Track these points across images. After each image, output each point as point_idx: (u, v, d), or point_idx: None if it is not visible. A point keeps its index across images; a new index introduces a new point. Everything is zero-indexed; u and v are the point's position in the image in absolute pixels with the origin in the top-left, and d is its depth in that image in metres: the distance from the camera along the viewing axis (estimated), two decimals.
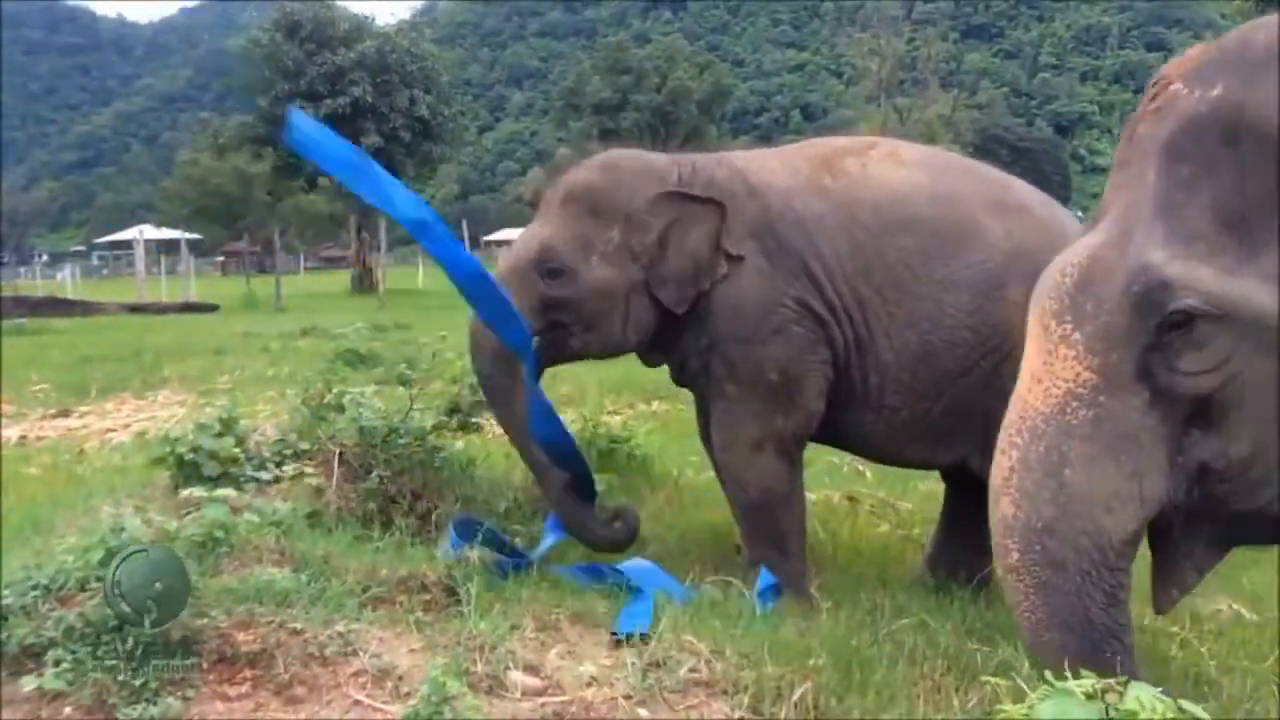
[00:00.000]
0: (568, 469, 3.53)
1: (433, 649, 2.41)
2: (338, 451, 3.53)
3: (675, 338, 3.50)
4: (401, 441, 3.60)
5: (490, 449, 4.60)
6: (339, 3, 34.45)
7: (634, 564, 3.31)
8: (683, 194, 3.38)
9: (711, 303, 3.39)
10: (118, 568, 2.14)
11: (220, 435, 3.50)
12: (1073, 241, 2.06)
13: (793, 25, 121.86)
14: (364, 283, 29.69)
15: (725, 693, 2.39)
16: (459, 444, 4.09)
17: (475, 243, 37.54)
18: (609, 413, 6.35)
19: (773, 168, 3.52)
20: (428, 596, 2.73)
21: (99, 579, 2.25)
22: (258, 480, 3.41)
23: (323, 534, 2.99)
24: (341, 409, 3.75)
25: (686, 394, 3.93)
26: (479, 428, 4.39)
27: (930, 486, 4.62)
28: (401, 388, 4.14)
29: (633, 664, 2.44)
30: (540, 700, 2.27)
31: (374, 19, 35.82)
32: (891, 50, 46.04)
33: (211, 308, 21.04)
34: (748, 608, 2.98)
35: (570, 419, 5.64)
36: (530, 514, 3.82)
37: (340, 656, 2.29)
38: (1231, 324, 1.72)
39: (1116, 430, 1.80)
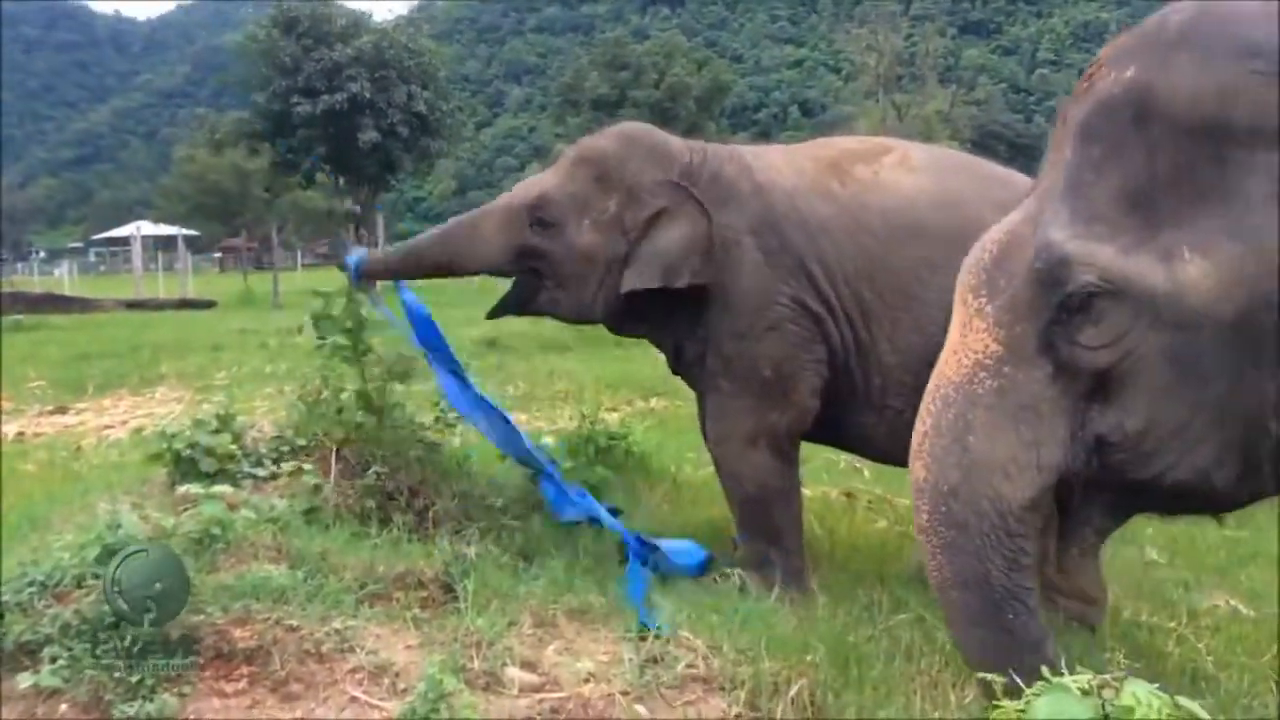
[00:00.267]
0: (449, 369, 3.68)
1: (430, 645, 2.41)
2: (335, 448, 3.52)
3: (667, 317, 3.53)
4: (399, 436, 3.61)
5: (487, 445, 4.59)
6: None
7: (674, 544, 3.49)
8: (685, 189, 3.40)
9: (709, 295, 3.40)
10: (118, 567, 2.14)
11: (217, 432, 3.50)
12: None
13: (791, 21, 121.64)
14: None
15: (722, 688, 2.40)
16: (456, 440, 4.09)
17: None
18: (607, 409, 6.34)
19: (780, 167, 3.54)
20: (425, 593, 2.73)
21: (96, 576, 2.25)
22: (255, 477, 3.40)
23: (320, 530, 2.99)
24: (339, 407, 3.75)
25: (684, 391, 3.94)
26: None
27: None
28: (398, 384, 4.13)
29: (630, 660, 2.44)
30: (537, 696, 2.27)
31: (371, 15, 35.79)
32: (889, 46, 45.88)
33: (209, 304, 21.05)
34: (745, 604, 2.98)
35: (567, 415, 5.64)
36: (527, 510, 3.82)
37: (337, 653, 2.29)
38: (1128, 301, 1.76)
39: (1019, 400, 1.86)
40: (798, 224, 3.38)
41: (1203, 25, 1.77)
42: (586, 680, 2.36)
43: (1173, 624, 3.37)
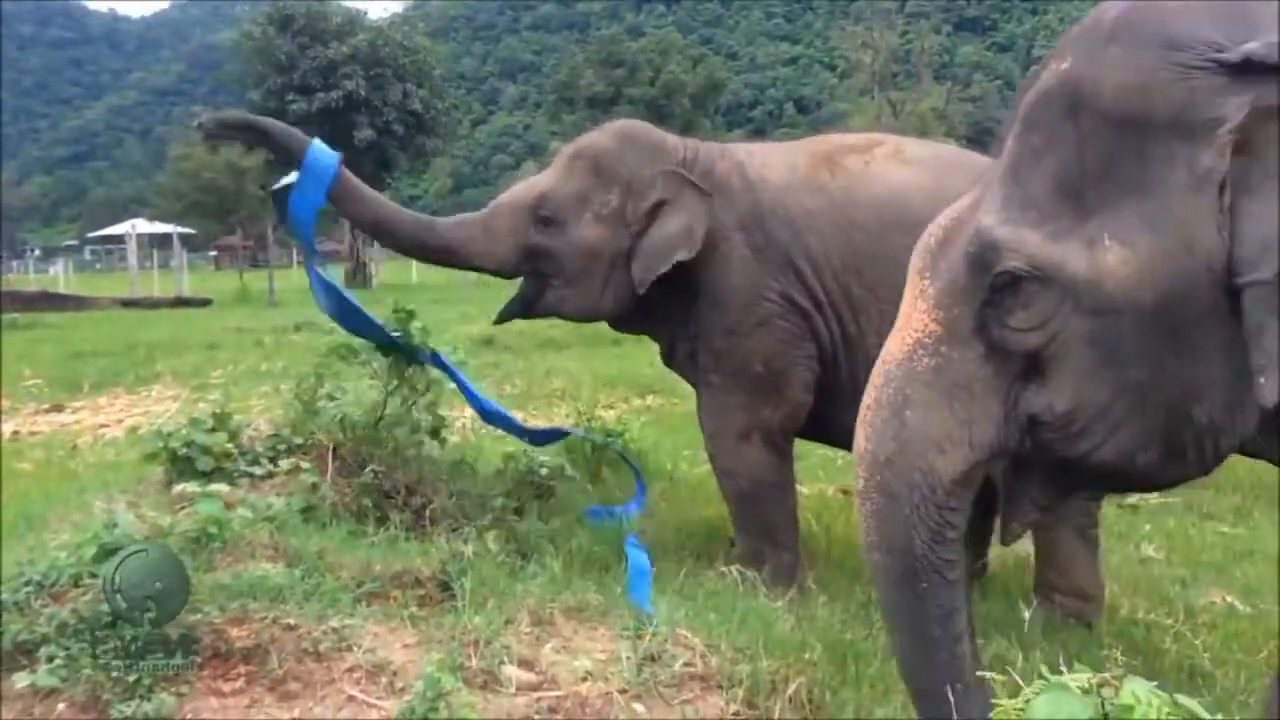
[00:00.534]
0: (367, 335, 3.74)
1: (427, 644, 2.40)
2: (331, 446, 3.52)
3: (663, 314, 3.55)
4: (396, 433, 3.61)
5: (485, 443, 4.59)
6: None
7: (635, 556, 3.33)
8: (684, 177, 3.42)
9: (698, 291, 3.41)
10: (118, 566, 2.14)
11: (214, 430, 3.48)
12: None
13: (786, 18, 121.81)
14: (357, 277, 29.62)
15: (720, 687, 2.39)
16: (454, 438, 4.08)
17: None
18: (604, 407, 6.35)
19: (771, 163, 3.54)
20: (422, 591, 2.72)
21: (93, 575, 2.24)
22: (251, 475, 3.39)
23: (317, 529, 2.98)
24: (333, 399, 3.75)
25: (681, 388, 3.94)
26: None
27: None
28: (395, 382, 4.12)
29: (628, 658, 2.43)
30: (535, 695, 2.27)
31: (366, 13, 35.82)
32: (885, 43, 45.98)
33: (205, 302, 20.98)
34: (743, 602, 2.98)
35: (565, 413, 5.64)
36: (525, 508, 3.81)
37: (334, 652, 2.28)
38: (1054, 286, 1.80)
39: (954, 379, 1.92)
40: (784, 220, 3.40)
41: (1132, 19, 1.80)
42: (584, 678, 2.36)
43: (1170, 621, 3.37)
